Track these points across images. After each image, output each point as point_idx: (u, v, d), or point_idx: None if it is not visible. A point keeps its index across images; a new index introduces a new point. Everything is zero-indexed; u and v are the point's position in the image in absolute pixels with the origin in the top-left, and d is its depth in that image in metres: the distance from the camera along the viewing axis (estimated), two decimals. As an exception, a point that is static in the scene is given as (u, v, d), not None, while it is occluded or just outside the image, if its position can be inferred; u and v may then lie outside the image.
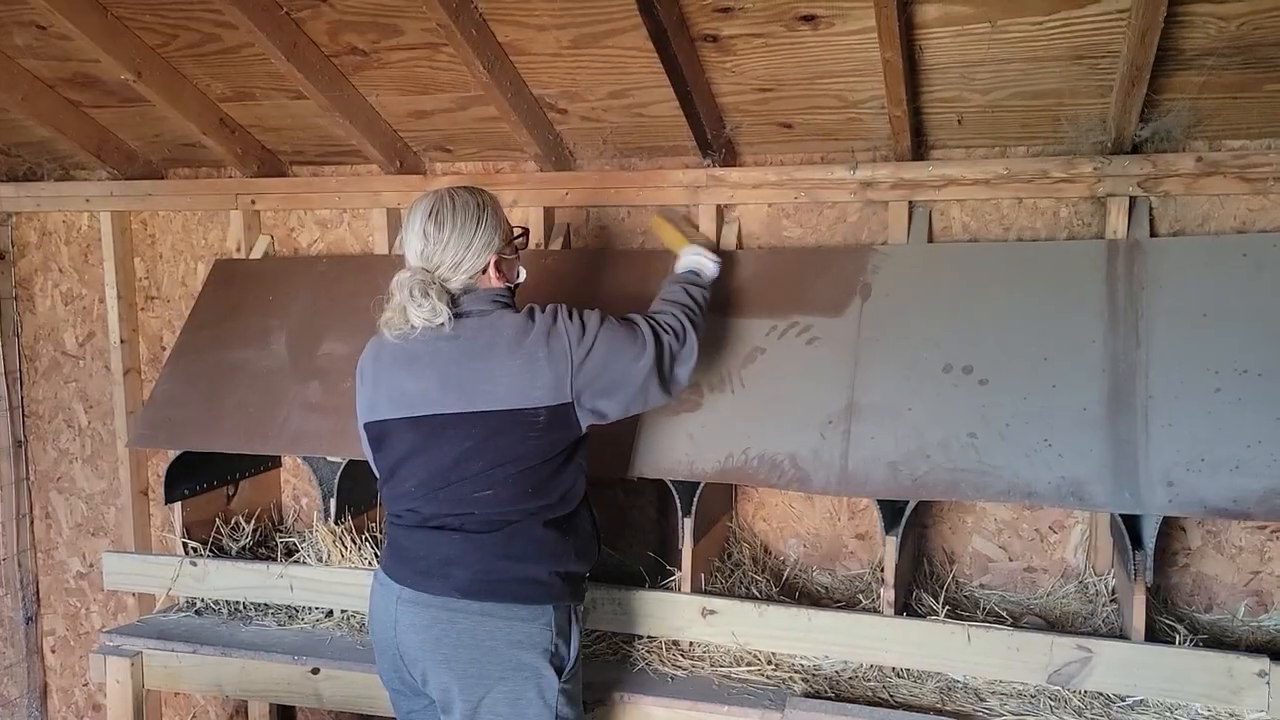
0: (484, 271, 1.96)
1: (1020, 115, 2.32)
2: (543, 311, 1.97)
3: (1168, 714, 2.02)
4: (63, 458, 3.45)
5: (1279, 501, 1.94)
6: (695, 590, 2.34)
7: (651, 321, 2.05)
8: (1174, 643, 2.12)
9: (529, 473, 1.91)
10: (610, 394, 1.96)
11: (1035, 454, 2.11)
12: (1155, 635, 2.14)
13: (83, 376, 3.39)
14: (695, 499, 2.31)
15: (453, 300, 1.92)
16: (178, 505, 2.72)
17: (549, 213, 2.79)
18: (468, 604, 1.86)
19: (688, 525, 2.32)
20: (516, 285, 2.06)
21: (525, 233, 2.11)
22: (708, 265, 2.28)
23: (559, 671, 1.90)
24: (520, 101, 2.50)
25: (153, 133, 3.02)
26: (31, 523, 3.53)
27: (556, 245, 2.77)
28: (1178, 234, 2.33)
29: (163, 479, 2.68)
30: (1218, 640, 2.24)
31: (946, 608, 2.30)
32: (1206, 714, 2.01)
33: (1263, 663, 1.96)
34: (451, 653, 1.87)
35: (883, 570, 2.23)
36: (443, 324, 1.89)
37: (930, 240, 2.49)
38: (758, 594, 2.46)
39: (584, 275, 2.66)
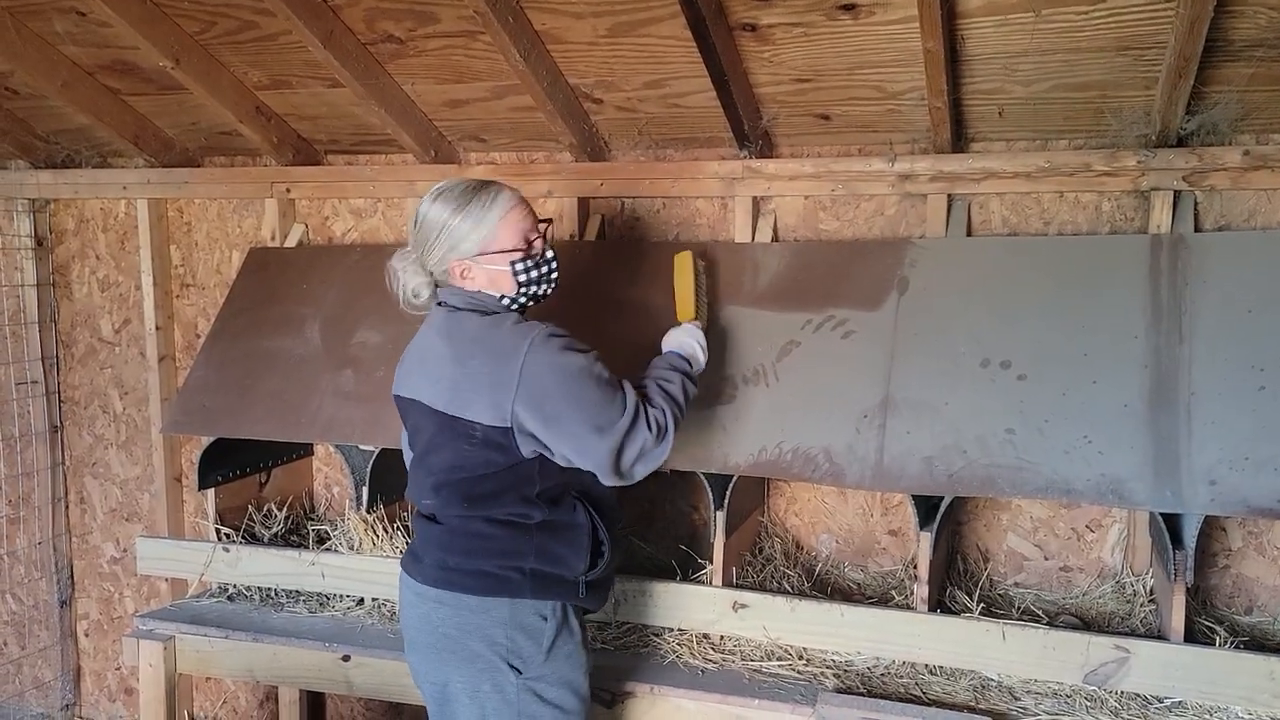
0: (445, 271, 1.91)
1: (1063, 107, 2.29)
2: (517, 325, 1.84)
3: (1207, 716, 1.99)
4: (98, 443, 3.49)
5: (1326, 502, 1.90)
6: (726, 584, 2.33)
7: (640, 406, 1.86)
8: (1214, 644, 2.08)
9: (469, 483, 1.86)
10: (555, 442, 1.81)
11: (1074, 450, 2.08)
12: (1194, 637, 2.10)
13: (118, 363, 3.43)
14: (728, 492, 2.30)
15: (437, 286, 1.94)
16: (211, 492, 2.74)
17: (583, 203, 2.78)
18: (428, 590, 1.90)
19: (720, 518, 2.30)
20: (517, 301, 1.93)
21: (542, 253, 1.93)
22: (700, 356, 2.10)
23: (515, 669, 1.85)
24: (556, 91, 2.49)
25: (189, 121, 3.04)
26: (66, 507, 3.57)
27: (591, 236, 2.77)
28: (1223, 229, 2.29)
29: (196, 465, 2.70)
30: (1259, 643, 2.20)
31: (981, 606, 2.28)
32: (1247, 717, 1.97)
33: (1306, 666, 1.93)
34: (416, 635, 1.93)
35: (916, 567, 2.21)
36: (420, 305, 1.92)
37: (969, 234, 2.47)
38: (789, 589, 2.44)
39: (617, 267, 2.65)
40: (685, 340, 2.12)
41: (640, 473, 1.88)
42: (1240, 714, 1.98)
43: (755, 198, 2.62)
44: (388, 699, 2.44)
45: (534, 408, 1.79)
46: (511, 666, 1.85)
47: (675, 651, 2.29)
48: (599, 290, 2.57)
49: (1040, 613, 2.34)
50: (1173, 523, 2.07)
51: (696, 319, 2.20)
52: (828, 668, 2.21)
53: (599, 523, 1.94)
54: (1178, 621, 2.04)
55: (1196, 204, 2.28)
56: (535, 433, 1.81)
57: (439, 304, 1.93)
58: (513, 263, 1.89)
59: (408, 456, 2.06)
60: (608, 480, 1.86)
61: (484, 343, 1.83)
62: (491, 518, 1.88)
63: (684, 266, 2.24)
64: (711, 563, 2.33)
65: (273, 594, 2.67)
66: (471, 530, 1.89)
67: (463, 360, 1.83)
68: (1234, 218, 2.29)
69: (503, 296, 1.92)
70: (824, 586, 2.56)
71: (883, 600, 2.45)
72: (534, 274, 1.92)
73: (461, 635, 1.86)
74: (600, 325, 2.44)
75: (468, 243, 1.87)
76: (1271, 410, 2.00)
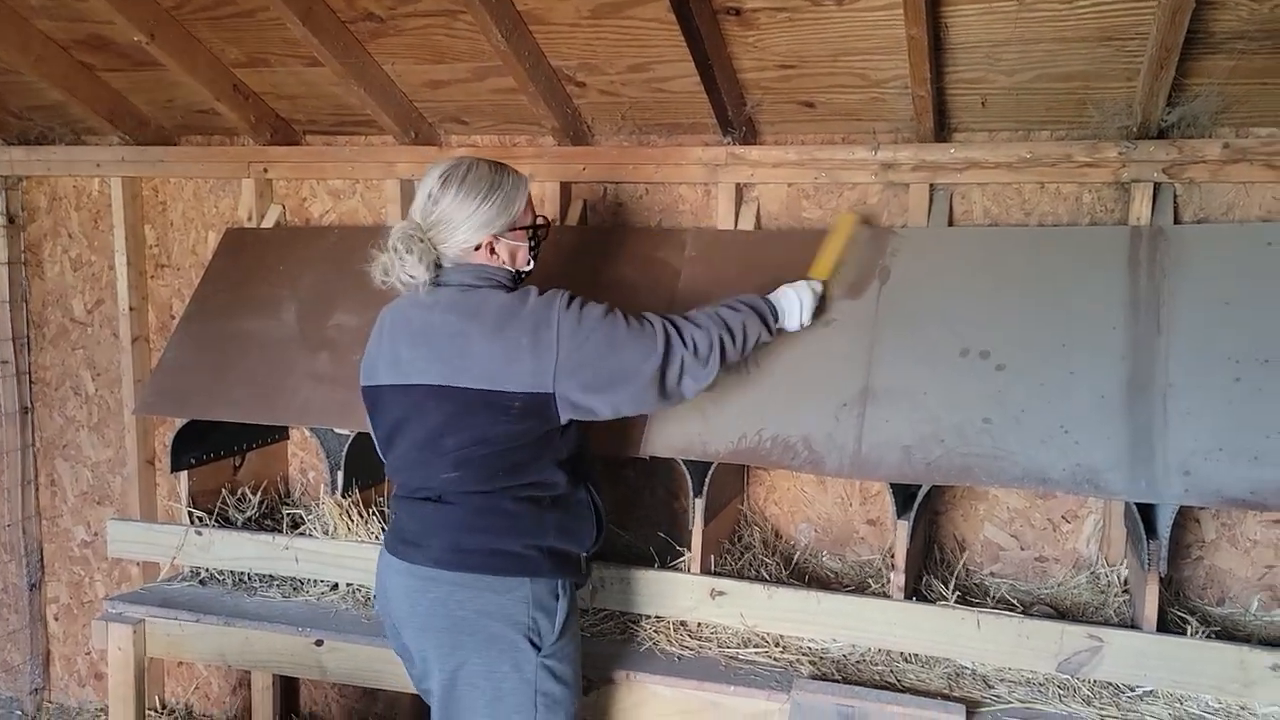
0: (477, 249, 1.92)
1: (1045, 98, 2.29)
2: (540, 294, 1.91)
3: (1177, 705, 2.00)
4: (69, 425, 3.44)
5: (1299, 493, 1.91)
6: (704, 571, 2.33)
7: (673, 325, 1.94)
8: (1186, 634, 2.10)
9: (498, 456, 1.88)
10: (601, 391, 1.88)
11: (1051, 440, 2.09)
12: (1167, 627, 2.11)
13: (91, 344, 3.38)
14: (707, 479, 2.29)
15: (439, 267, 1.92)
16: (183, 474, 2.71)
17: (565, 188, 2.76)
18: (440, 574, 1.88)
19: (698, 506, 2.30)
20: (521, 272, 2.00)
21: (546, 225, 2.05)
22: (793, 308, 2.14)
23: (536, 646, 1.87)
24: (538, 73, 2.47)
25: (165, 98, 3.00)
26: (36, 490, 3.52)
27: (573, 221, 2.75)
28: (1202, 221, 2.30)
29: (169, 447, 2.67)
30: (1230, 633, 2.22)
31: (957, 594, 2.28)
32: (1217, 706, 1.99)
33: (1277, 655, 1.94)
34: (426, 621, 1.89)
35: (893, 555, 2.22)
36: (418, 285, 1.89)
37: (951, 224, 2.47)
38: (767, 576, 2.44)
39: (599, 253, 2.63)
40: (787, 291, 2.17)
41: (690, 389, 1.96)
42: (1211, 703, 2.00)
43: (738, 185, 2.61)
44: (361, 684, 2.43)
45: (576, 366, 1.85)
46: (533, 644, 1.87)
47: (653, 639, 2.29)
48: (582, 275, 2.56)
49: (1015, 602, 2.35)
50: (1147, 513, 2.08)
51: (822, 279, 2.24)
52: (804, 655, 2.21)
53: (596, 497, 2.02)
54: (1150, 611, 2.05)
55: (1176, 196, 2.29)
56: (578, 391, 1.86)
57: (441, 284, 1.92)
58: (530, 236, 2.00)
59: (380, 446, 2.04)
60: (655, 407, 1.98)
61: (518, 314, 1.87)
62: (515, 494, 1.90)
63: (843, 227, 2.30)
64: (690, 550, 2.32)
65: (246, 578, 2.64)
66: (495, 508, 1.89)
67: (498, 333, 1.86)
68: (1213, 210, 2.30)
69: (504, 267, 1.96)
70: (802, 575, 2.56)
71: (860, 589, 2.46)
72: (539, 246, 2.04)
73: (480, 618, 1.86)
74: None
75: (502, 219, 1.92)
76: (1246, 402, 2.01)
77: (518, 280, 2.00)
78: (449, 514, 1.91)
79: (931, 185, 2.45)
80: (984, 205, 2.46)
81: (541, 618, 1.89)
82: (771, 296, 2.14)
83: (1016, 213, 2.44)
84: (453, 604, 1.87)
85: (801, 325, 2.18)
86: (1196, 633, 2.09)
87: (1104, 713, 1.99)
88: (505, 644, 1.87)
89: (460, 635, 1.87)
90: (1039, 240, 2.32)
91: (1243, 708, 1.97)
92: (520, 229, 1.97)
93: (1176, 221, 2.29)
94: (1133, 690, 2.05)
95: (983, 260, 2.32)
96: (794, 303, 2.15)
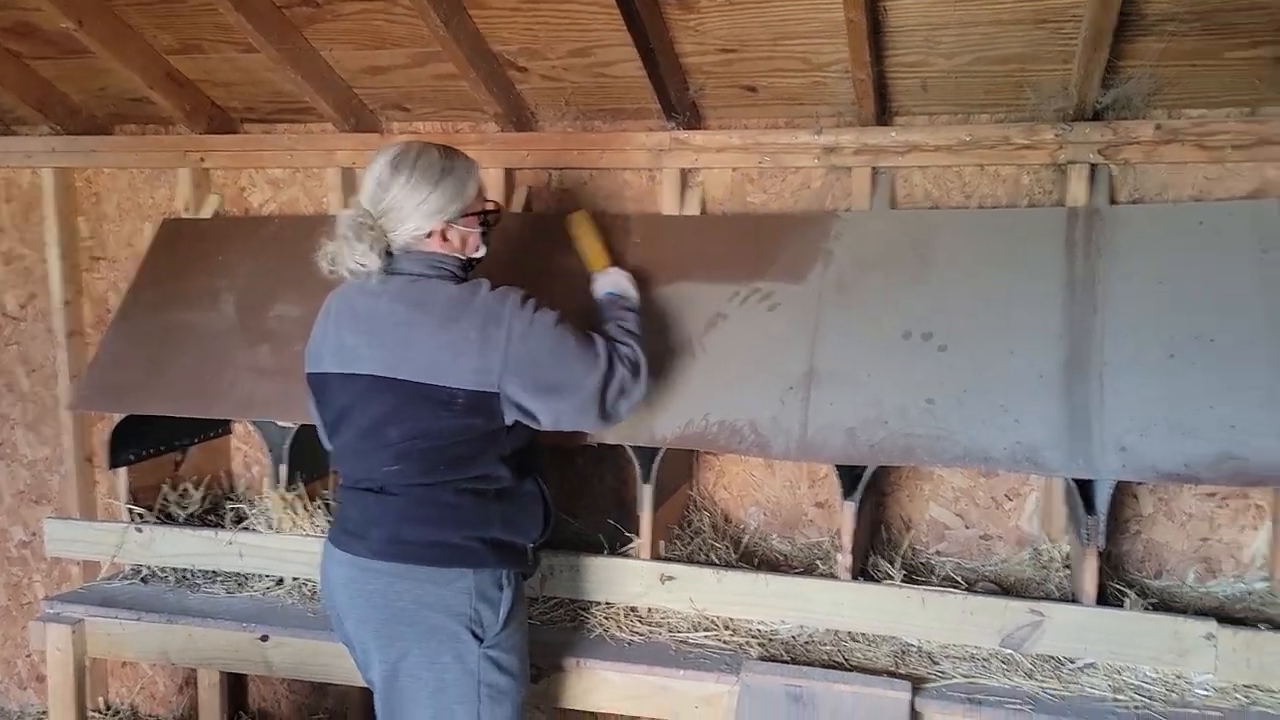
0: (428, 235, 1.90)
1: (984, 81, 2.31)
2: (492, 290, 1.90)
3: (1116, 675, 2.04)
4: (4, 423, 3.35)
5: (1229, 465, 1.96)
6: (654, 557, 2.33)
7: (610, 346, 1.97)
8: (1124, 607, 2.14)
9: (440, 450, 1.86)
10: (543, 396, 1.88)
11: (992, 420, 2.12)
12: (1106, 600, 2.15)
13: (24, 339, 3.29)
14: (655, 465, 2.29)
15: (389, 255, 1.89)
16: (122, 470, 2.64)
17: (509, 175, 2.74)
18: (380, 565, 1.86)
19: (646, 491, 2.30)
20: (472, 260, 1.99)
21: (497, 210, 2.03)
22: (633, 291, 2.22)
23: (478, 638, 1.86)
24: (479, 58, 2.44)
25: (97, 86, 2.92)
26: (-29, 490, 3.42)
27: (518, 208, 2.72)
28: (1137, 201, 2.33)
29: (107, 443, 2.60)
30: (1167, 605, 2.26)
31: (903, 573, 2.31)
32: (1154, 676, 2.03)
33: (1210, 625, 1.99)
34: (366, 612, 1.88)
35: (840, 536, 2.23)
36: (369, 273, 1.86)
37: (893, 207, 2.48)
38: (716, 560, 2.45)
39: (546, 239, 2.61)
40: (616, 279, 2.23)
41: (625, 410, 1.98)
42: (1149, 673, 2.04)
43: (683, 170, 2.60)
44: (309, 678, 2.40)
45: (522, 367, 1.85)
46: (474, 635, 1.86)
47: (603, 625, 2.29)
48: (528, 262, 2.53)
49: (960, 580, 2.38)
50: (1086, 490, 2.11)
51: (608, 266, 2.30)
52: (753, 637, 2.22)
53: (544, 488, 2.01)
54: (1090, 585, 2.09)
55: (1112, 177, 2.33)
56: (521, 393, 1.86)
57: (391, 273, 1.89)
58: (481, 222, 1.97)
59: (324, 433, 2.02)
60: (594, 426, 1.98)
61: (467, 308, 1.85)
62: (458, 486, 1.88)
63: (584, 223, 2.36)
64: (639, 536, 2.32)
65: (189, 575, 2.59)
66: (436, 500, 1.88)
67: (445, 327, 1.84)
68: (1147, 190, 2.34)
69: (456, 256, 1.94)
70: (751, 558, 2.57)
71: (808, 570, 2.47)
72: (490, 232, 2.01)
73: (420, 609, 1.85)
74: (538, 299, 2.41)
75: (454, 205, 1.90)
76: (1179, 378, 2.06)
77: (468, 268, 1.98)
78: (390, 505, 1.89)
79: (874, 169, 2.46)
80: (925, 188, 2.48)
81: (484, 609, 1.87)
82: (617, 292, 2.20)
83: (957, 195, 2.46)
84: (392, 595, 1.86)
85: (638, 293, 2.25)
86: (1134, 605, 2.14)
87: (1045, 685, 2.03)
88: (446, 635, 1.85)
89: (400, 626, 1.86)
90: (979, 222, 2.34)
91: (1179, 677, 2.02)
92: (472, 215, 1.95)
93: (1112, 202, 2.33)
94: (1074, 663, 2.08)
95: (924, 242, 2.33)
96: (627, 285, 2.22)
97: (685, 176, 2.62)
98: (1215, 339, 2.06)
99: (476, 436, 1.88)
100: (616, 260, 2.36)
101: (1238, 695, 1.97)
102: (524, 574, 2.01)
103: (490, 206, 2.01)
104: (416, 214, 1.88)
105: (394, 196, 1.88)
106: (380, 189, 1.88)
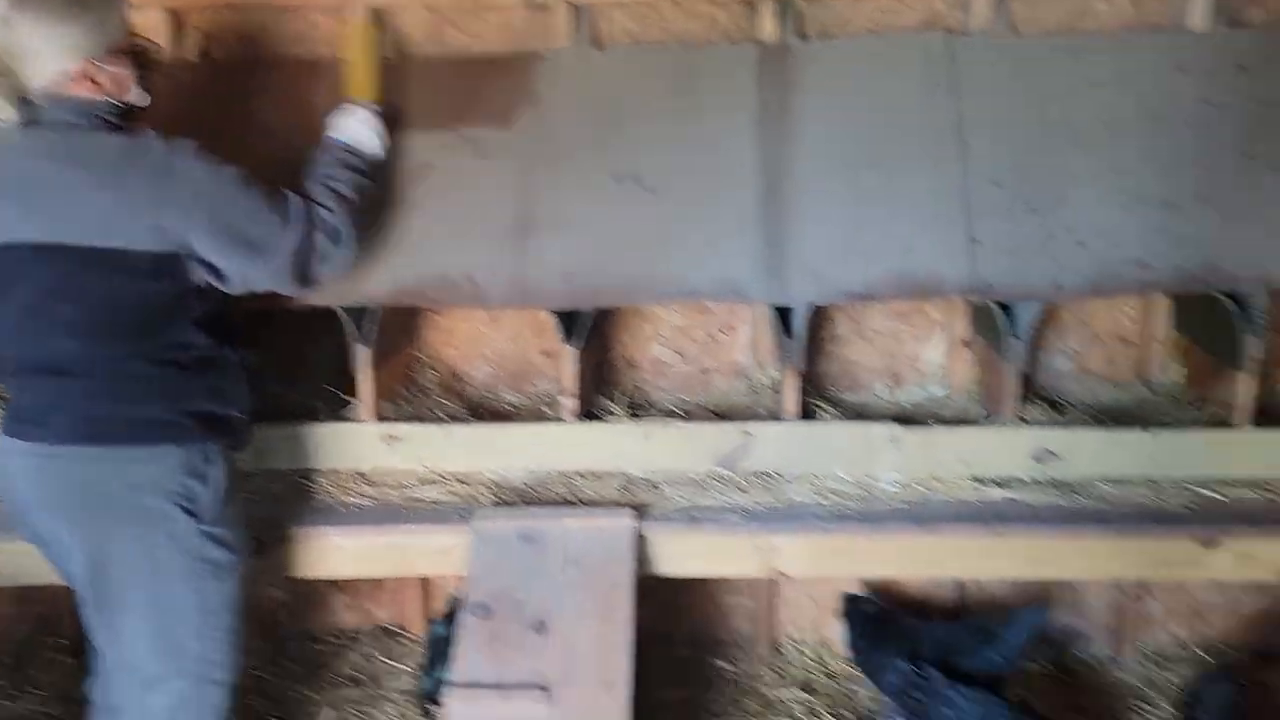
0: (73, 80, 1.68)
1: (677, -85, 2.28)
2: (164, 142, 1.73)
3: (817, 481, 2.24)
4: None
5: (903, 282, 2.15)
6: (379, 418, 2.28)
7: (308, 207, 1.84)
8: (819, 420, 2.34)
9: (122, 322, 1.72)
10: (230, 254, 1.76)
11: (699, 256, 2.20)
12: (809, 416, 2.34)
13: None
14: (371, 325, 2.21)
15: (28, 104, 1.66)
16: None
17: (175, 16, 2.41)
18: (73, 449, 1.72)
19: (363, 352, 2.22)
20: (133, 107, 1.79)
21: (155, 47, 1.83)
22: (376, 144, 2.07)
23: (192, 514, 1.78)
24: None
25: None
26: None
27: (190, 57, 2.44)
28: (824, 37, 2.41)
29: None
30: (862, 416, 2.48)
31: (629, 412, 2.40)
32: (848, 479, 2.24)
33: (893, 429, 2.22)
34: (58, 502, 1.74)
35: (563, 380, 2.27)
36: (6, 127, 1.65)
37: (596, 45, 2.44)
38: (444, 418, 2.43)
39: (227, 90, 2.37)
40: (357, 129, 2.05)
41: (327, 276, 1.90)
42: (844, 476, 2.25)
43: (374, 7, 2.41)
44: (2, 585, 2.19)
45: (205, 224, 1.72)
46: (188, 513, 1.76)
47: (330, 492, 2.23)
48: (208, 119, 2.28)
49: (681, 412, 2.51)
50: (786, 316, 2.25)
51: (373, 100, 2.12)
52: (485, 487, 2.25)
53: (246, 356, 1.89)
54: (791, 404, 2.26)
55: (801, 13, 2.39)
56: (208, 251, 1.74)
57: (35, 124, 1.67)
58: (137, 63, 1.78)
59: None
60: (290, 289, 1.88)
61: (135, 160, 1.70)
62: (150, 358, 1.74)
63: (363, 37, 2.18)
64: (358, 399, 2.25)
65: None
66: (128, 374, 1.73)
67: (112, 182, 1.66)
68: (831, 25, 2.41)
69: (111, 101, 1.73)
70: (482, 413, 2.57)
71: (539, 418, 2.51)
72: (149, 73, 1.82)
73: (128, 492, 1.73)
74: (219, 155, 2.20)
75: (97, 39, 1.69)
76: (865, 205, 2.21)
77: (127, 116, 1.78)
78: (74, 385, 1.73)
79: (575, 5, 2.40)
80: (625, 25, 2.44)
81: (196, 485, 1.78)
82: (340, 136, 2.03)
83: (657, 32, 2.43)
84: (90, 480, 1.73)
85: (382, 145, 2.10)
86: (830, 418, 2.35)
87: (757, 500, 2.19)
88: (158, 515, 1.75)
89: (101, 511, 1.74)
90: (678, 60, 2.35)
91: (869, 475, 2.24)
92: (122, 53, 1.75)
93: (802, 38, 2.40)
94: (781, 475, 2.26)
95: (628, 82, 2.33)
96: (370, 137, 2.07)
97: (378, 16, 2.43)
98: (889, 167, 2.22)
99: (165, 302, 1.74)
100: (382, 99, 2.16)
101: (919, 487, 2.22)
102: (234, 447, 1.91)
103: (144, 43, 1.80)
104: (48, 52, 1.65)
105: (21, 36, 1.64)
106: (4, 27, 1.64)
